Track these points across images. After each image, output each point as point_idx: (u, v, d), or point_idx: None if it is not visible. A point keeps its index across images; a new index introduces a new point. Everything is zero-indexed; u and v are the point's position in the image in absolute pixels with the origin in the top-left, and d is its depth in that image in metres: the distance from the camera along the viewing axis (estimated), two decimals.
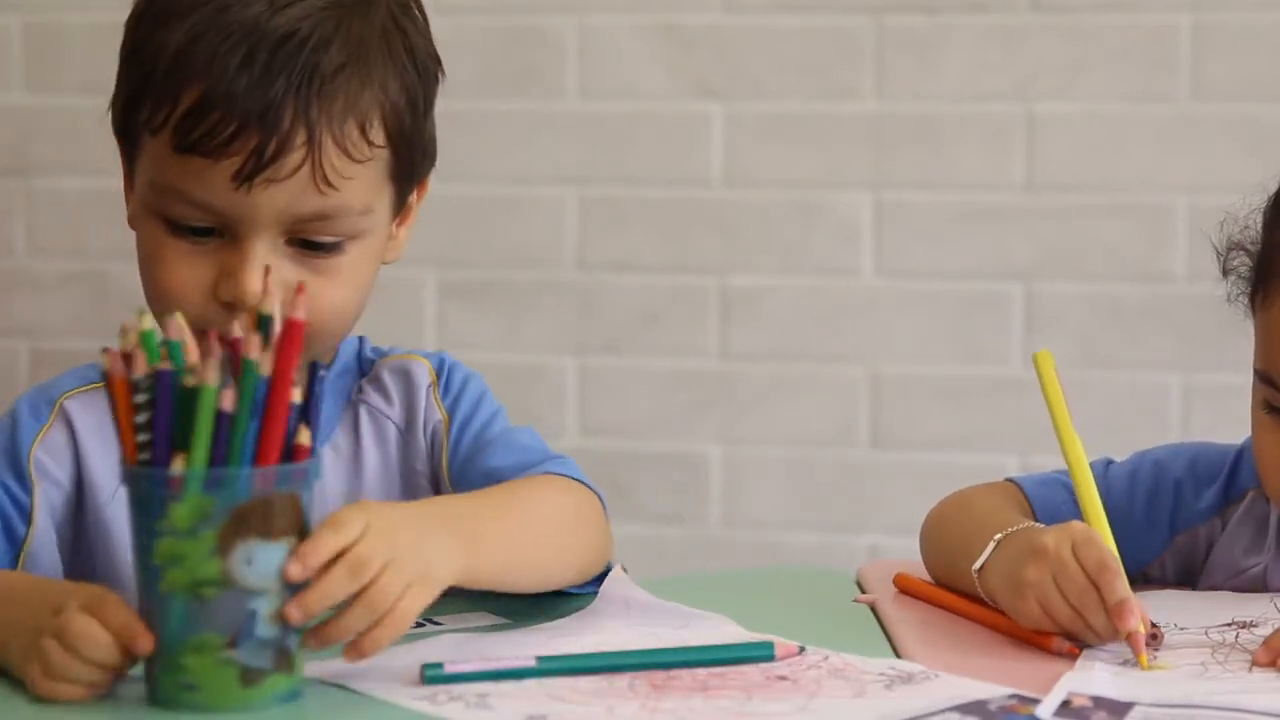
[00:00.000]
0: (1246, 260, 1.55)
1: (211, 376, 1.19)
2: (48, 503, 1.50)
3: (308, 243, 1.46)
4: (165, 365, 1.20)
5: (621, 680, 1.28)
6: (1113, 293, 2.79)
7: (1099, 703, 1.23)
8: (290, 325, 1.21)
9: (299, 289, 1.26)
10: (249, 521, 1.19)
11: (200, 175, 1.42)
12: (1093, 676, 1.29)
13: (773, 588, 1.66)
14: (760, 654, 1.33)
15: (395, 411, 1.59)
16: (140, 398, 1.20)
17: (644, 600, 1.46)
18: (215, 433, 1.19)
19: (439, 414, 1.58)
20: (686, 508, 2.92)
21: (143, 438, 1.21)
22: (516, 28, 2.90)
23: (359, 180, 1.46)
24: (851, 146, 2.84)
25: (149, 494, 1.20)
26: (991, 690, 1.26)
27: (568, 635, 1.40)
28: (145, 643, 1.20)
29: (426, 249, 2.84)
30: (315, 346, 1.48)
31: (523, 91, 2.91)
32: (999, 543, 1.45)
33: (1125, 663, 1.34)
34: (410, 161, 1.51)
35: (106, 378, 1.22)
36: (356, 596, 1.23)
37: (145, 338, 1.21)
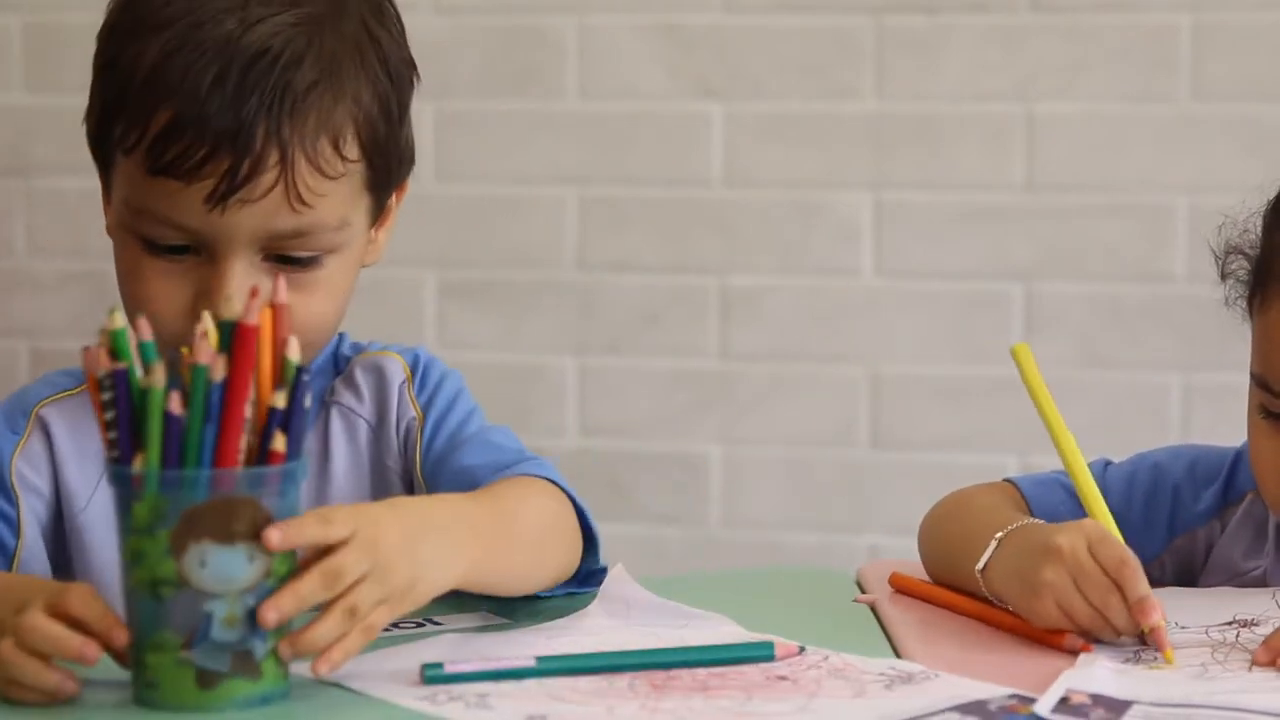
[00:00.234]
0: (1245, 264, 1.55)
1: (158, 379, 1.19)
2: (33, 513, 1.50)
3: (285, 258, 1.45)
4: (120, 365, 1.21)
5: (621, 680, 1.28)
6: (1113, 293, 2.79)
7: (1098, 700, 1.23)
8: (243, 331, 1.21)
9: (278, 308, 1.25)
10: (203, 523, 1.19)
11: (174, 197, 1.42)
12: (1092, 674, 1.29)
13: (773, 588, 1.65)
14: (760, 654, 1.33)
15: (366, 409, 1.58)
16: (105, 396, 1.21)
17: (644, 600, 1.46)
18: (166, 434, 1.19)
19: (413, 411, 1.58)
20: (686, 508, 2.92)
21: (112, 435, 1.21)
22: (516, 28, 2.90)
23: (334, 196, 1.45)
24: (851, 146, 2.84)
25: (118, 491, 1.22)
26: (991, 690, 1.26)
27: (568, 635, 1.40)
28: (120, 635, 1.21)
29: (426, 249, 2.85)
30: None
31: (523, 91, 2.90)
32: (1000, 541, 1.45)
33: (1126, 661, 1.34)
34: (386, 170, 1.51)
35: (87, 376, 1.23)
36: (332, 604, 1.23)
37: (115, 336, 1.21)
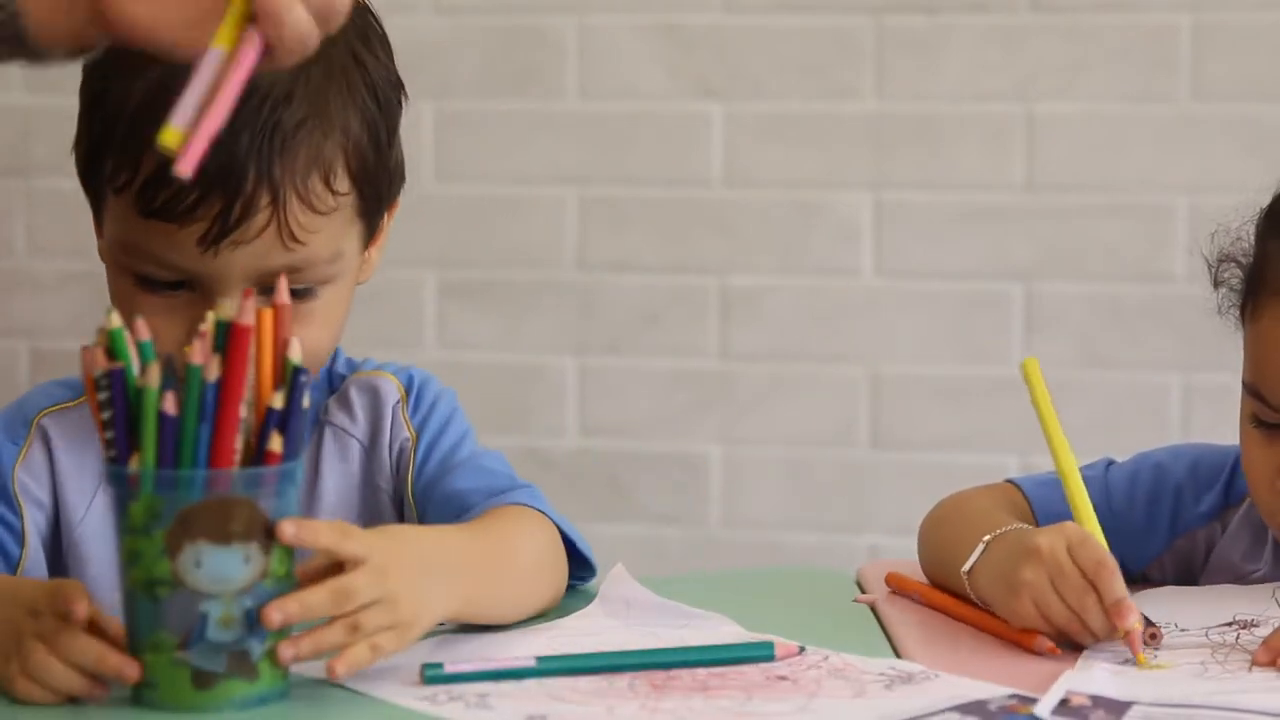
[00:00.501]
0: (1238, 273, 1.55)
1: (153, 379, 1.19)
2: (34, 524, 1.51)
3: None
4: (117, 365, 1.21)
5: (621, 680, 1.28)
6: (1113, 293, 2.79)
7: (1098, 702, 1.23)
8: (238, 331, 1.21)
9: (279, 308, 1.24)
10: (198, 523, 1.19)
11: (166, 238, 1.41)
12: (1092, 675, 1.29)
13: (773, 588, 1.65)
14: (760, 654, 1.33)
15: (360, 429, 1.58)
16: (102, 395, 1.21)
17: (644, 599, 1.46)
18: (161, 435, 1.19)
19: (407, 432, 1.58)
20: (686, 508, 2.92)
21: (109, 435, 1.21)
22: (516, 28, 2.90)
23: (326, 230, 1.45)
24: (851, 146, 2.84)
25: (114, 491, 1.22)
26: (991, 690, 1.26)
27: (568, 635, 1.40)
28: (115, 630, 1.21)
29: (426, 249, 2.85)
30: None
31: (523, 91, 2.90)
32: (988, 544, 1.45)
33: (1125, 662, 1.34)
34: (377, 196, 1.50)
35: (84, 376, 1.23)
36: (337, 617, 1.24)
37: (113, 336, 1.22)
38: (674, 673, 1.30)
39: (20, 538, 1.49)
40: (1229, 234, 1.56)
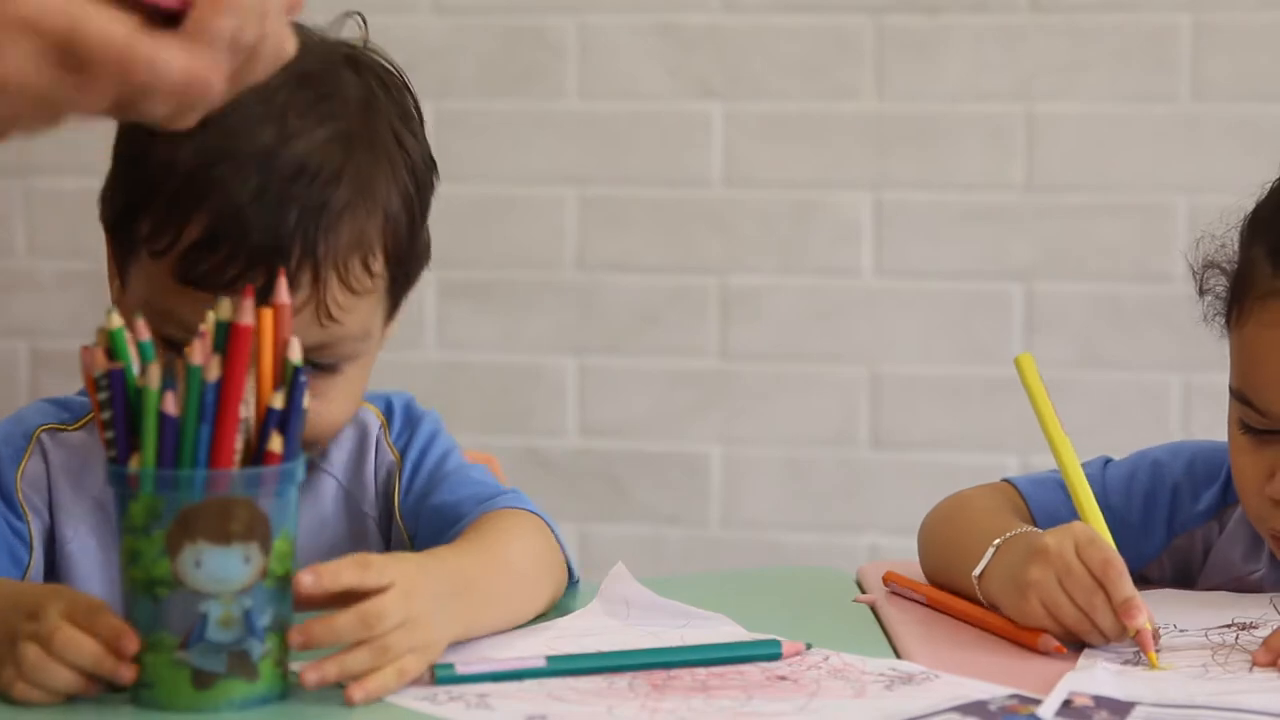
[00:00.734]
0: (1223, 280, 1.55)
1: (154, 379, 1.19)
2: (37, 532, 1.51)
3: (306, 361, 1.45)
4: (117, 365, 1.21)
5: (621, 680, 1.28)
6: (1112, 293, 2.79)
7: (1100, 702, 1.23)
8: (237, 331, 1.21)
9: (279, 308, 1.24)
10: (198, 523, 1.19)
11: (200, 306, 1.38)
12: (1094, 676, 1.29)
13: (773, 588, 1.65)
14: (767, 652, 1.33)
15: (337, 465, 1.58)
16: (102, 395, 1.21)
17: (644, 599, 1.46)
18: (161, 435, 1.20)
19: (391, 455, 1.58)
20: (686, 508, 2.92)
21: (109, 435, 1.21)
22: (516, 28, 2.90)
23: (359, 310, 1.45)
24: (851, 146, 2.85)
25: (115, 491, 1.22)
26: (992, 690, 1.26)
27: (567, 635, 1.40)
28: (130, 643, 1.21)
29: None
30: (310, 453, 1.50)
31: (523, 91, 2.91)
32: (998, 548, 1.45)
33: (1126, 662, 1.34)
34: (406, 276, 1.51)
35: (84, 376, 1.23)
36: (363, 641, 1.24)
37: (113, 336, 1.22)
38: (674, 672, 1.30)
39: (28, 544, 1.49)
40: (1214, 241, 1.55)
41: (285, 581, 1.23)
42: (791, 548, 2.88)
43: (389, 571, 1.26)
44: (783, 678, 1.29)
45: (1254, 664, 1.33)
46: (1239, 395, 1.50)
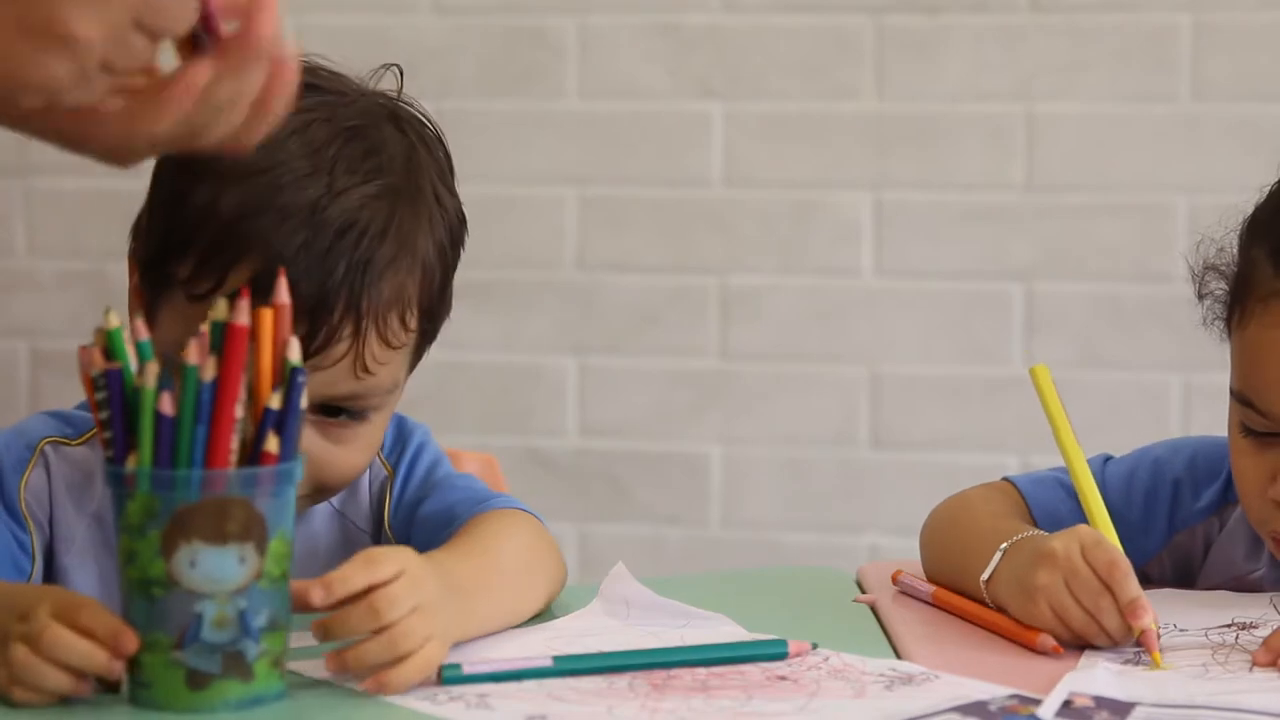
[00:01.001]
0: (1222, 284, 1.55)
1: (150, 379, 1.19)
2: (39, 542, 1.51)
3: (330, 408, 1.46)
4: (114, 364, 1.21)
5: (621, 680, 1.28)
6: (1112, 293, 2.79)
7: (1101, 703, 1.23)
8: (233, 331, 1.21)
9: (279, 308, 1.24)
10: (193, 524, 1.19)
11: None
12: (1094, 676, 1.29)
13: (773, 588, 1.65)
14: (773, 652, 1.33)
15: None
16: (99, 395, 1.21)
17: (644, 598, 1.46)
18: (158, 434, 1.20)
19: (384, 471, 1.59)
20: (686, 508, 2.92)
21: (107, 435, 1.22)
22: (516, 28, 2.90)
23: (392, 364, 1.48)
24: (851, 146, 2.85)
25: (112, 490, 1.22)
26: (992, 690, 1.26)
27: (567, 635, 1.40)
28: (129, 641, 1.21)
29: None
30: (324, 498, 1.52)
31: (523, 91, 2.91)
32: (1005, 552, 1.45)
33: (1127, 662, 1.34)
34: (434, 330, 1.54)
35: (82, 375, 1.23)
36: (378, 631, 1.24)
37: (111, 336, 1.22)
38: (674, 672, 1.30)
39: (31, 554, 1.49)
40: (1212, 244, 1.55)
41: (281, 582, 1.22)
42: (791, 548, 2.88)
43: (396, 560, 1.26)
44: (783, 678, 1.29)
45: (1254, 664, 1.33)
46: (1240, 397, 1.50)
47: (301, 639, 1.27)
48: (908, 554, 1.65)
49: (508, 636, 1.39)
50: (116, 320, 1.22)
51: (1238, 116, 2.75)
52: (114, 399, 1.21)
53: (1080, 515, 1.49)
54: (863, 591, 1.58)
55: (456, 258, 1.55)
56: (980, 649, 1.39)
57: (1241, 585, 1.57)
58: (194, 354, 1.20)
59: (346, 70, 1.52)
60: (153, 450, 1.20)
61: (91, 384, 1.22)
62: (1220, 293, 1.54)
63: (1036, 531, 1.48)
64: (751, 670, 1.31)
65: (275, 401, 1.22)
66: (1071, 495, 1.55)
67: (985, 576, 1.45)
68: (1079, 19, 2.78)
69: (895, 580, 1.56)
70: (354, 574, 1.24)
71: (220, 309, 1.22)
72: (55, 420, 1.55)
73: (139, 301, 1.49)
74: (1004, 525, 1.50)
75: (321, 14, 2.88)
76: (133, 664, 1.22)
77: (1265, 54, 2.74)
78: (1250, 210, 1.54)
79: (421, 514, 1.55)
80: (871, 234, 2.85)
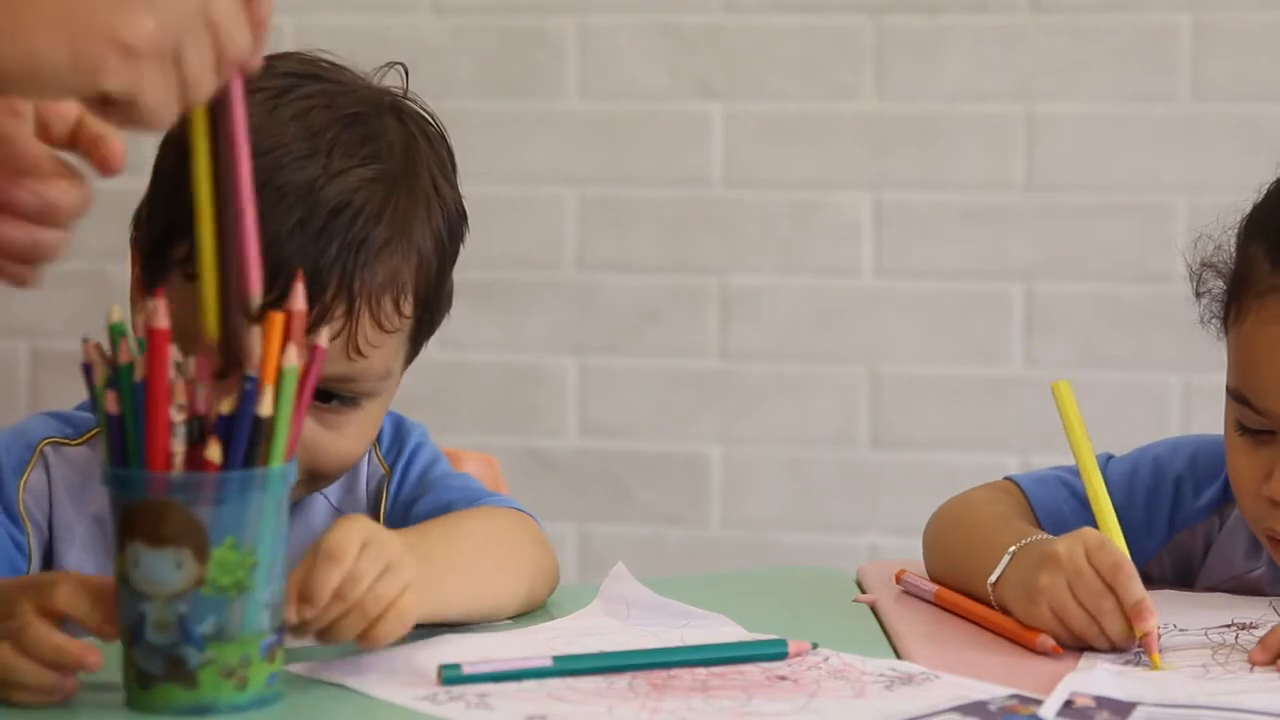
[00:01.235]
0: (1219, 282, 1.55)
1: (99, 377, 1.19)
2: (37, 543, 1.51)
3: (323, 394, 1.46)
4: (99, 361, 1.21)
5: (621, 680, 1.28)
6: (1113, 293, 2.79)
7: (1102, 703, 1.23)
8: (151, 335, 1.19)
9: (293, 314, 1.24)
10: (135, 524, 1.19)
11: None
12: (1095, 676, 1.29)
13: (773, 588, 1.65)
14: (773, 652, 1.33)
15: (330, 485, 1.58)
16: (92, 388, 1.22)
17: (644, 598, 1.46)
18: (109, 432, 1.20)
19: (381, 469, 1.60)
20: (686, 508, 2.92)
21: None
22: (516, 28, 2.90)
23: (385, 348, 1.47)
24: (851, 146, 2.85)
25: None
26: (992, 690, 1.26)
27: (567, 635, 1.40)
28: (109, 629, 1.21)
29: None
30: (319, 486, 1.52)
31: (523, 91, 2.91)
32: (1014, 555, 1.45)
33: (1127, 663, 1.34)
34: (430, 322, 1.54)
35: (83, 368, 1.23)
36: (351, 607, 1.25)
37: (113, 329, 1.21)
38: (674, 672, 1.30)
39: (28, 555, 1.49)
40: (1210, 242, 1.55)
41: (237, 592, 1.19)
42: (791, 548, 2.88)
43: (355, 537, 1.27)
44: (783, 678, 1.29)
45: (1251, 663, 1.33)
46: (1236, 395, 1.50)
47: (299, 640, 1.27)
48: (908, 554, 1.65)
49: (508, 636, 1.39)
50: (120, 314, 1.22)
51: (1238, 116, 2.75)
52: (91, 394, 1.21)
53: (1083, 515, 1.49)
54: (863, 591, 1.58)
55: (455, 251, 1.55)
56: (981, 649, 1.40)
57: (1241, 584, 1.57)
58: (123, 351, 1.19)
59: (350, 65, 1.53)
60: (107, 447, 1.20)
61: (87, 375, 1.22)
62: (1218, 291, 1.55)
63: (1044, 535, 1.48)
64: (752, 670, 1.31)
65: (226, 407, 1.20)
66: (1074, 495, 1.55)
67: (993, 579, 1.45)
68: (1079, 19, 2.78)
69: (899, 580, 1.56)
70: (325, 576, 1.24)
71: (150, 310, 1.20)
72: (55, 420, 1.55)
73: (140, 294, 1.49)
74: (1008, 526, 1.50)
75: (321, 14, 2.88)
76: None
77: (1265, 54, 2.74)
78: (1248, 209, 1.54)
79: (417, 513, 1.55)
80: (871, 234, 2.85)
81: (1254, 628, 1.42)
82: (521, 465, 2.90)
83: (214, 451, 1.19)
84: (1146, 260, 2.77)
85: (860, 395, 2.87)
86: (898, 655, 1.37)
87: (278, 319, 1.22)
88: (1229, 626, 1.43)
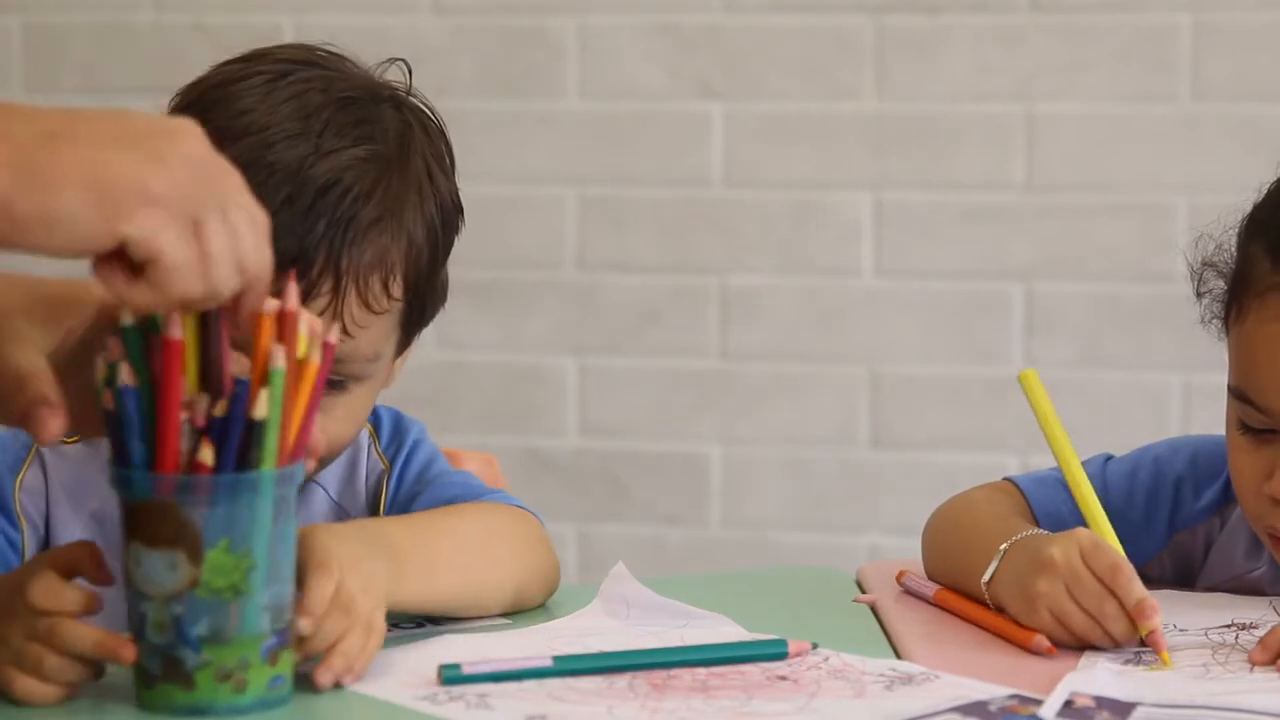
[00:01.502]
0: (1220, 282, 1.55)
1: (99, 374, 1.19)
2: (32, 542, 1.51)
3: None
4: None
5: (621, 680, 1.28)
6: (1113, 293, 2.79)
7: (1102, 703, 1.23)
8: (167, 345, 1.18)
9: (286, 314, 1.24)
10: (136, 523, 1.19)
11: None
12: (1095, 676, 1.29)
13: (773, 588, 1.65)
14: (773, 652, 1.33)
15: (330, 476, 1.59)
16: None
17: (644, 598, 1.46)
18: (110, 431, 1.20)
19: (381, 465, 1.60)
20: (686, 508, 2.92)
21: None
22: (516, 28, 2.91)
23: (374, 330, 1.47)
24: (851, 146, 2.85)
25: None
26: (992, 691, 1.26)
27: (567, 635, 1.40)
28: (104, 574, 1.23)
29: None
30: (315, 468, 1.51)
31: (523, 91, 2.91)
32: (1005, 552, 1.45)
33: (1127, 663, 1.34)
34: (422, 310, 1.53)
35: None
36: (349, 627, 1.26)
37: (126, 333, 1.21)
38: (674, 672, 1.30)
39: (21, 553, 1.49)
40: (1211, 242, 1.55)
41: (233, 596, 1.19)
42: (791, 548, 2.88)
43: (337, 553, 1.27)
44: (783, 678, 1.29)
45: (1251, 663, 1.33)
46: (1238, 393, 1.50)
47: None
48: (908, 554, 1.65)
49: (508, 636, 1.39)
50: (130, 317, 1.21)
51: (1238, 116, 2.75)
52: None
53: (1082, 516, 1.49)
54: (863, 591, 1.58)
55: (450, 243, 1.54)
56: (981, 649, 1.39)
57: (1241, 584, 1.57)
58: (114, 350, 1.19)
59: (352, 57, 1.53)
60: (111, 446, 1.20)
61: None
62: (1218, 290, 1.55)
63: (1035, 531, 1.48)
64: (752, 670, 1.31)
65: (220, 409, 1.19)
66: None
67: (986, 578, 1.45)
68: (1079, 19, 2.78)
69: (899, 580, 1.56)
70: (320, 590, 1.25)
71: (128, 316, 1.20)
72: None
73: None
74: (1006, 526, 1.50)
75: (321, 14, 2.88)
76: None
77: (1265, 54, 2.74)
78: (1249, 208, 1.54)
79: (415, 509, 1.55)
80: (871, 234, 2.85)
81: (1254, 628, 1.42)
82: (521, 465, 2.89)
83: (206, 454, 1.18)
84: (1146, 260, 2.77)
85: (860, 395, 2.87)
86: (898, 655, 1.37)
87: (268, 320, 1.21)
88: (1229, 626, 1.43)
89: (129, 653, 1.21)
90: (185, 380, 1.19)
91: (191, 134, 1.12)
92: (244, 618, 1.19)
